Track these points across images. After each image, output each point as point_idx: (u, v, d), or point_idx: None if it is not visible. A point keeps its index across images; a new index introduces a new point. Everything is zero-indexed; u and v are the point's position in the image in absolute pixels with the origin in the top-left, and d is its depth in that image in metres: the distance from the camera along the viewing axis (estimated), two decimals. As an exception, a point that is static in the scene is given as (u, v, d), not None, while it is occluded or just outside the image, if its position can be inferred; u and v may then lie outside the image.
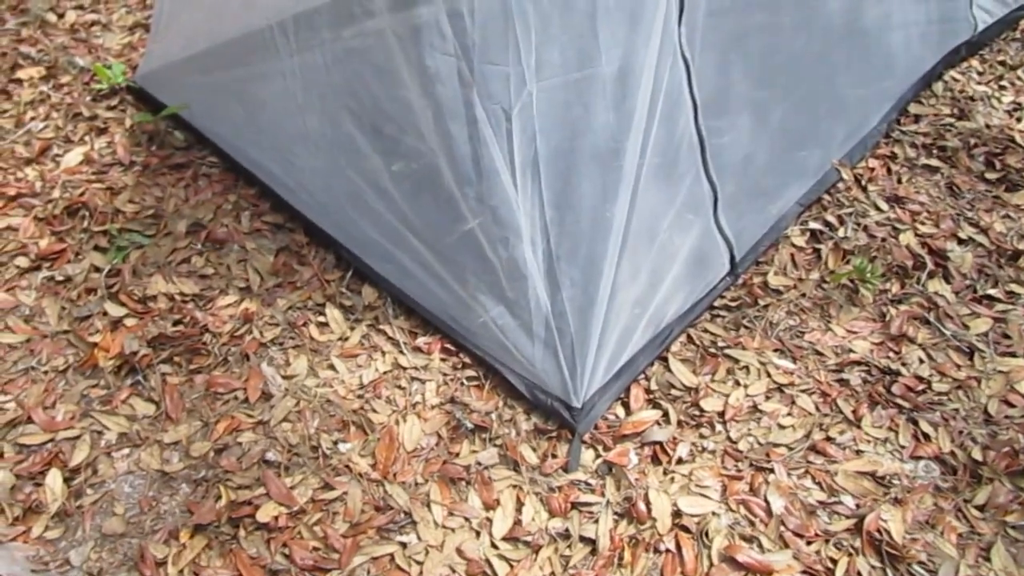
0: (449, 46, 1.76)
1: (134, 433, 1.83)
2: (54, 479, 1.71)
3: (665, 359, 2.03)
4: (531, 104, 1.74)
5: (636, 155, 1.82)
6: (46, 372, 1.92)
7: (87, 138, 2.55)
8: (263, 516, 1.68)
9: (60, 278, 2.13)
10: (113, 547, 1.65)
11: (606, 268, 1.82)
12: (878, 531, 1.73)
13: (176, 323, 2.04)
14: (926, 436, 1.91)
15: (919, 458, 1.88)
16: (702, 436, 1.91)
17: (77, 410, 1.85)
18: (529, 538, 1.70)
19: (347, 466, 1.80)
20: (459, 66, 1.76)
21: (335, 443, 1.84)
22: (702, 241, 2.04)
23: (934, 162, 2.64)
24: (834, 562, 1.69)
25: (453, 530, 1.72)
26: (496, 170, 1.77)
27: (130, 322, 2.03)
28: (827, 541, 1.72)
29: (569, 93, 1.75)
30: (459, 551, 1.68)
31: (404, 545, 1.68)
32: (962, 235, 2.39)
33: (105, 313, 2.04)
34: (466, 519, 1.74)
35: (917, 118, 2.82)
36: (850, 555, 1.70)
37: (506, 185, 1.77)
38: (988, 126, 2.79)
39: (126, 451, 1.80)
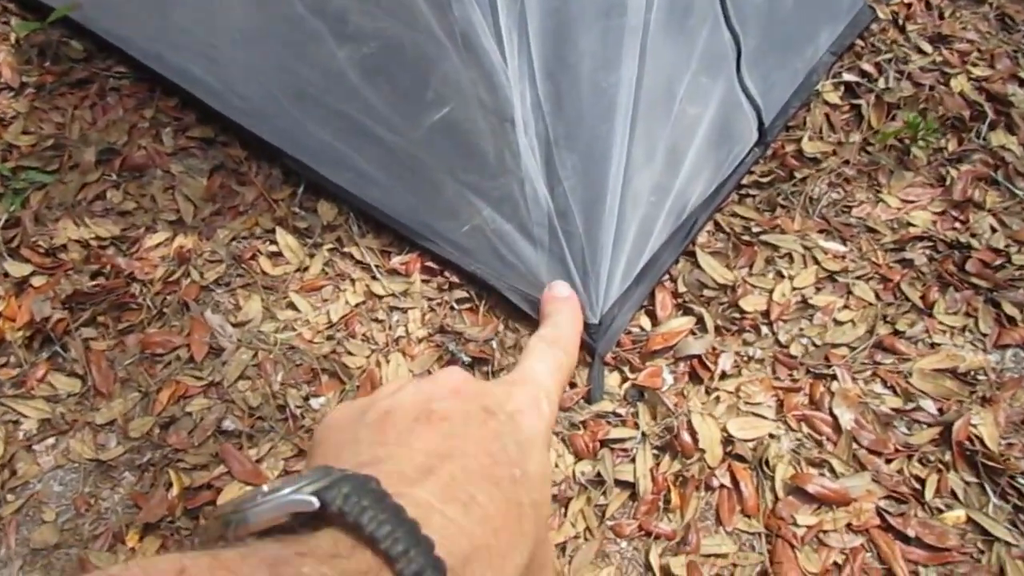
0: None
1: (58, 417, 1.48)
2: (-41, 487, 1.38)
3: (692, 254, 1.69)
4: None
5: (641, 8, 1.42)
6: (-61, 352, 1.56)
7: (-35, 59, 2.10)
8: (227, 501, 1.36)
9: (-55, 235, 1.74)
10: (46, 562, 1.33)
11: (615, 150, 1.44)
12: (969, 439, 1.43)
13: (95, 275, 1.66)
14: (1010, 320, 1.59)
15: (1005, 347, 1.57)
16: (746, 343, 1.58)
17: (-18, 396, 1.51)
18: (555, 490, 1.39)
19: (323, 427, 1.47)
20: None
21: (306, 399, 1.51)
22: (725, 107, 1.66)
23: (978, -11, 2.23)
24: (921, 481, 1.40)
25: (461, 491, 1.41)
26: (475, 34, 1.37)
27: (38, 281, 1.65)
28: (910, 457, 1.43)
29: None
30: (471, 517, 1.37)
31: (403, 516, 1.37)
32: (1023, 75, 2.02)
33: (6, 274, 1.66)
34: (475, 475, 1.43)
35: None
36: (939, 471, 1.41)
37: (489, 52, 1.37)
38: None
39: (51, 441, 1.47)
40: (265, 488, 0.28)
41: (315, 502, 0.27)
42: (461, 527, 0.29)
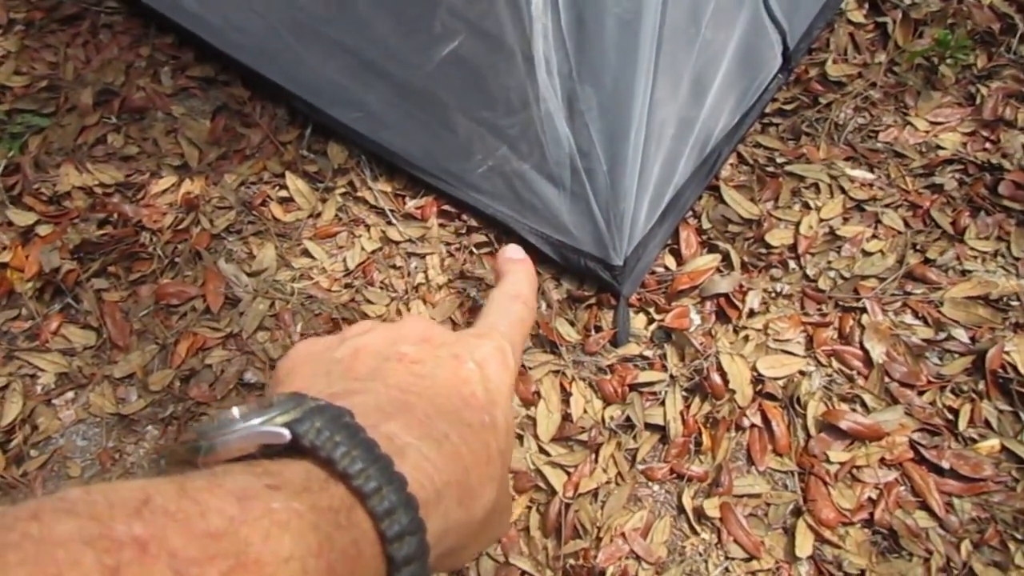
0: None
1: (75, 371, 1.46)
2: (-17, 447, 1.36)
3: (716, 188, 1.64)
4: None
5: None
6: (-52, 309, 1.52)
7: (-53, -2, 2.00)
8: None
9: (-57, 185, 1.68)
10: (75, 518, 1.32)
11: (639, 83, 1.37)
12: (1002, 367, 1.41)
13: (102, 224, 1.61)
14: (1044, 242, 1.56)
15: (1038, 270, 1.54)
16: (773, 279, 1.55)
17: (-3, 353, 1.48)
18: (584, 436, 1.38)
19: (347, 375, 1.44)
20: None
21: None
22: (749, 32, 1.58)
23: None
24: (954, 412, 1.39)
25: (489, 437, 1.39)
26: None
27: (44, 230, 1.60)
28: (943, 388, 1.41)
29: None
30: (501, 463, 1.36)
31: (433, 464, 1.36)
32: (1055, -18, 1.92)
33: (10, 223, 1.61)
34: (503, 420, 1.41)
35: None
36: (972, 400, 1.39)
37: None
38: None
39: (70, 395, 1.44)
40: (235, 412, 0.28)
41: (287, 434, 0.26)
42: (434, 463, 0.29)
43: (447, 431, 0.31)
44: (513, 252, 0.46)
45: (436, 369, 0.34)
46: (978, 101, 1.75)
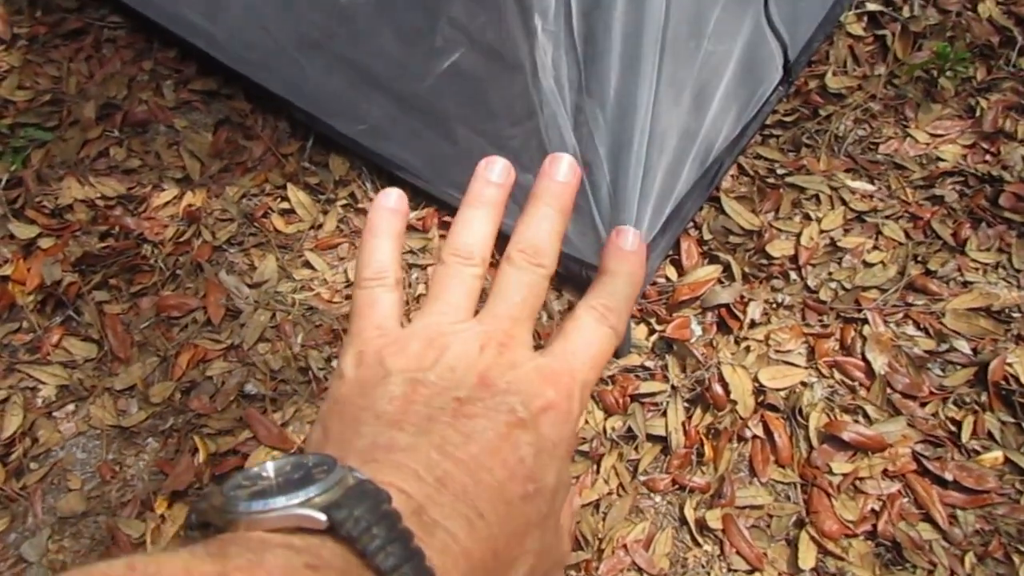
0: None
1: (76, 383, 1.46)
2: (-18, 459, 1.36)
3: (716, 199, 1.64)
4: None
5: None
6: (-50, 322, 1.52)
7: (-48, 13, 2.01)
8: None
9: (-54, 199, 1.68)
10: (75, 530, 1.32)
11: (643, 91, 1.38)
12: (1004, 379, 1.41)
13: (103, 236, 1.61)
14: (1045, 253, 1.56)
15: (1040, 281, 1.54)
16: (774, 289, 1.55)
17: (-2, 365, 1.48)
18: (586, 447, 1.38)
19: (348, 387, 1.44)
20: None
21: (328, 360, 1.48)
22: (751, 43, 1.58)
23: (1006, -93, 2.13)
24: (957, 424, 1.38)
25: (490, 448, 1.39)
26: None
27: (46, 243, 1.60)
28: (945, 400, 1.41)
29: None
30: (502, 474, 1.36)
31: (434, 476, 1.36)
32: (1053, -5, 1.94)
33: (12, 236, 1.61)
34: (504, 432, 1.41)
35: None
36: (975, 412, 1.39)
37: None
38: None
39: (70, 408, 1.44)
40: (271, 471, 0.28)
41: (324, 520, 0.27)
42: (463, 547, 0.29)
43: (483, 509, 0.30)
44: (627, 239, 0.40)
45: (486, 430, 0.32)
46: (978, 113, 1.76)
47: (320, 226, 1.64)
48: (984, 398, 1.40)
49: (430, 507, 0.29)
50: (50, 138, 1.75)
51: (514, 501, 0.32)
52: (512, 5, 1.32)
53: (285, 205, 1.67)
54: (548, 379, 0.35)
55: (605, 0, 1.29)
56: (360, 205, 1.66)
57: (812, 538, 1.28)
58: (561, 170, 0.41)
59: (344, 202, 1.67)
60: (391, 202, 0.41)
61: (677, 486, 1.34)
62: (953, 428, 1.38)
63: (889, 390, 1.42)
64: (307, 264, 1.59)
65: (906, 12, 1.92)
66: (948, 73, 1.81)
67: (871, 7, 1.93)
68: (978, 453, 1.35)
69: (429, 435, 0.32)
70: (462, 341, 0.36)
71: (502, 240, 0.39)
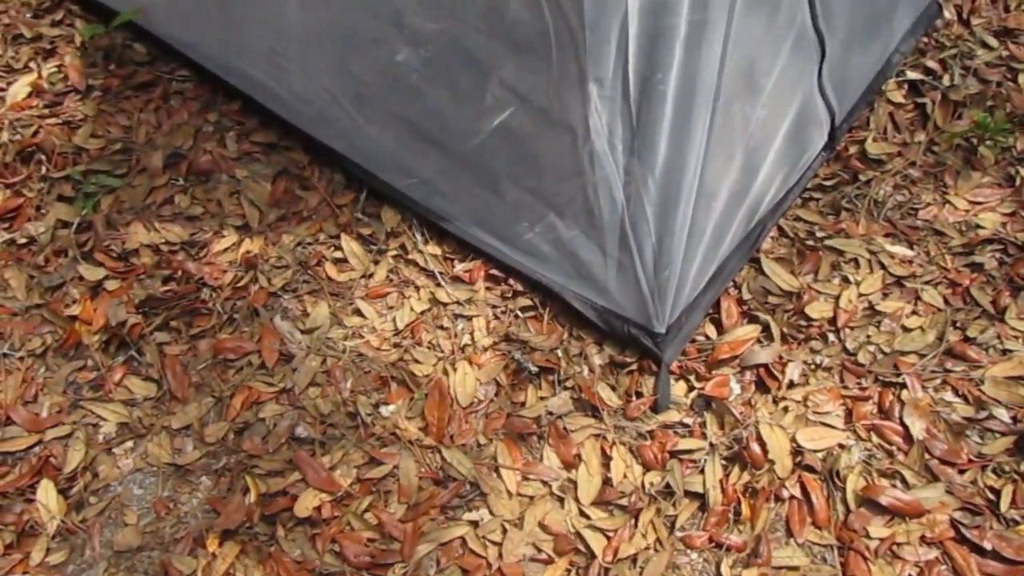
0: None
1: (135, 421, 1.52)
2: (47, 492, 1.42)
3: (756, 260, 1.68)
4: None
5: (725, 4, 1.38)
6: (21, 358, 1.60)
7: (32, 64, 2.13)
8: (302, 509, 1.39)
9: (22, 240, 1.77)
10: (130, 564, 1.37)
11: (692, 153, 1.42)
12: (1044, 448, 1.42)
13: (166, 280, 1.69)
14: (1085, 323, 1.57)
15: (1080, 351, 1.55)
16: (813, 351, 1.57)
17: (64, 401, 1.54)
18: (624, 501, 1.40)
19: (394, 433, 1.49)
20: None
21: (375, 406, 1.53)
22: (802, 110, 1.63)
23: (1047, -20, 2.17)
24: (996, 492, 1.39)
25: (531, 499, 1.43)
26: (561, 39, 1.35)
27: (111, 285, 1.69)
28: (984, 467, 1.42)
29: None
30: (542, 525, 1.39)
31: (475, 524, 1.39)
32: (1093, 67, 1.97)
33: (81, 278, 1.70)
34: (544, 483, 1.44)
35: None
36: (1014, 481, 1.40)
37: (567, 57, 1.35)
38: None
39: (129, 444, 1.51)
40: None
41: None
42: None
43: None
44: None
45: None
46: (1017, 182, 1.79)
47: (371, 275, 1.71)
48: (1023, 467, 1.41)
49: None
50: (119, 185, 1.85)
51: None
52: (567, 72, 1.38)
53: (338, 254, 1.74)
54: None
55: (661, 68, 1.34)
56: (410, 256, 1.72)
57: (849, 602, 1.29)
58: None
59: (395, 252, 1.73)
60: None
61: (714, 544, 1.36)
62: (992, 496, 1.39)
63: (927, 456, 1.43)
64: (358, 312, 1.66)
65: (946, 81, 1.96)
66: (988, 142, 1.84)
67: (912, 76, 1.98)
68: (1017, 523, 1.35)
69: None
70: None
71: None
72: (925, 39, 2.05)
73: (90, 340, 1.61)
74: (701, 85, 1.36)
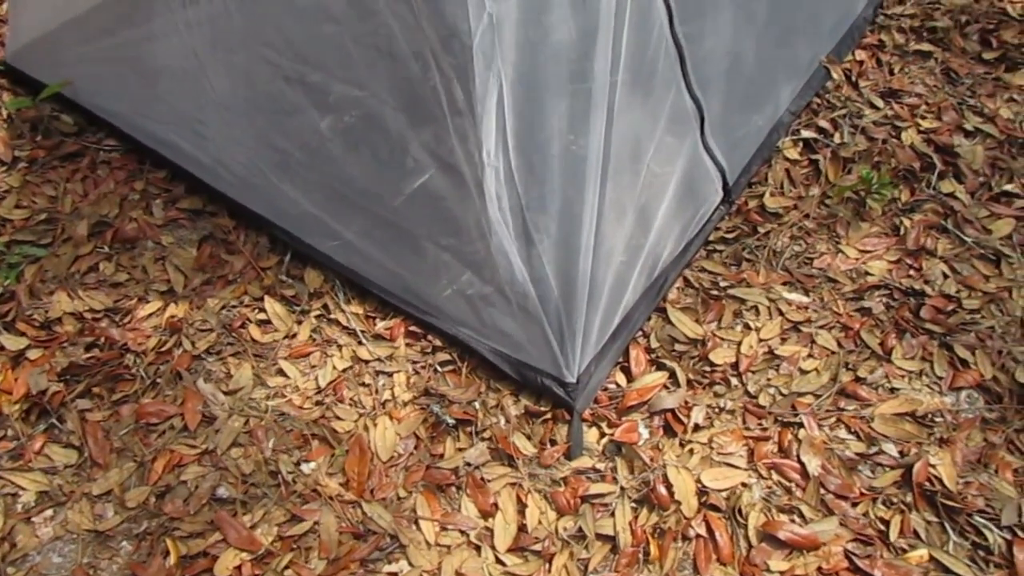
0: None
1: (56, 489, 1.53)
2: (-39, 563, 1.42)
3: (663, 310, 1.77)
4: (491, 28, 1.39)
5: (606, 75, 1.50)
6: (-62, 429, 1.60)
7: (-42, 136, 2.17)
8: (222, 569, 1.41)
9: (-58, 312, 1.78)
10: (47, 633, 1.37)
11: (586, 213, 1.52)
12: (928, 480, 1.51)
13: (89, 347, 1.72)
14: (963, 362, 1.69)
15: (959, 388, 1.66)
16: (717, 395, 1.66)
17: (-18, 471, 1.55)
18: (538, 546, 1.46)
19: (315, 490, 1.53)
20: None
21: (297, 464, 1.57)
22: (690, 167, 1.76)
23: (925, 46, 2.36)
24: (885, 523, 1.48)
25: (449, 548, 1.47)
26: (455, 110, 1.45)
27: (34, 354, 1.70)
28: (874, 500, 1.51)
29: (524, 9, 1.42)
30: (459, 574, 1.43)
31: (394, 576, 1.43)
32: (967, 126, 2.14)
33: (2, 348, 1.71)
34: (462, 532, 1.49)
35: (898, -2, 2.53)
36: (902, 512, 1.49)
37: (466, 127, 1.45)
38: (977, 0, 2.51)
39: (49, 513, 1.51)
40: None
41: None
42: None
43: None
44: None
45: None
46: (902, 232, 1.92)
47: (294, 335, 1.75)
48: (910, 498, 1.50)
49: None
50: (44, 254, 1.88)
51: None
52: (468, 138, 1.47)
53: (262, 316, 1.79)
54: None
55: (539, 137, 1.44)
56: (332, 315, 1.78)
57: (751, 634, 1.36)
58: None
59: (317, 313, 1.79)
60: None
61: (624, 585, 1.42)
62: (882, 527, 1.48)
63: (823, 490, 1.52)
64: (281, 372, 1.70)
65: (837, 138, 2.12)
66: (875, 195, 1.98)
67: (806, 134, 2.13)
68: (905, 551, 1.44)
69: None
70: None
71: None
72: (817, 99, 2.20)
73: (10, 410, 1.62)
74: (589, 148, 1.47)
